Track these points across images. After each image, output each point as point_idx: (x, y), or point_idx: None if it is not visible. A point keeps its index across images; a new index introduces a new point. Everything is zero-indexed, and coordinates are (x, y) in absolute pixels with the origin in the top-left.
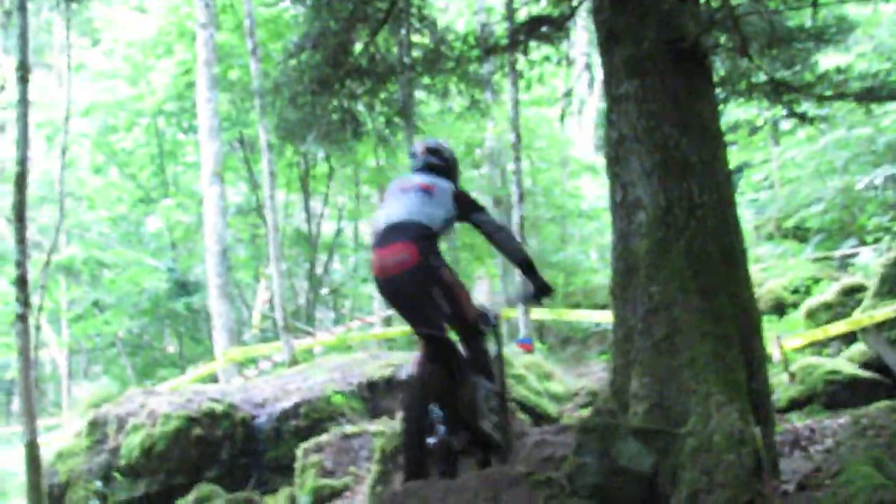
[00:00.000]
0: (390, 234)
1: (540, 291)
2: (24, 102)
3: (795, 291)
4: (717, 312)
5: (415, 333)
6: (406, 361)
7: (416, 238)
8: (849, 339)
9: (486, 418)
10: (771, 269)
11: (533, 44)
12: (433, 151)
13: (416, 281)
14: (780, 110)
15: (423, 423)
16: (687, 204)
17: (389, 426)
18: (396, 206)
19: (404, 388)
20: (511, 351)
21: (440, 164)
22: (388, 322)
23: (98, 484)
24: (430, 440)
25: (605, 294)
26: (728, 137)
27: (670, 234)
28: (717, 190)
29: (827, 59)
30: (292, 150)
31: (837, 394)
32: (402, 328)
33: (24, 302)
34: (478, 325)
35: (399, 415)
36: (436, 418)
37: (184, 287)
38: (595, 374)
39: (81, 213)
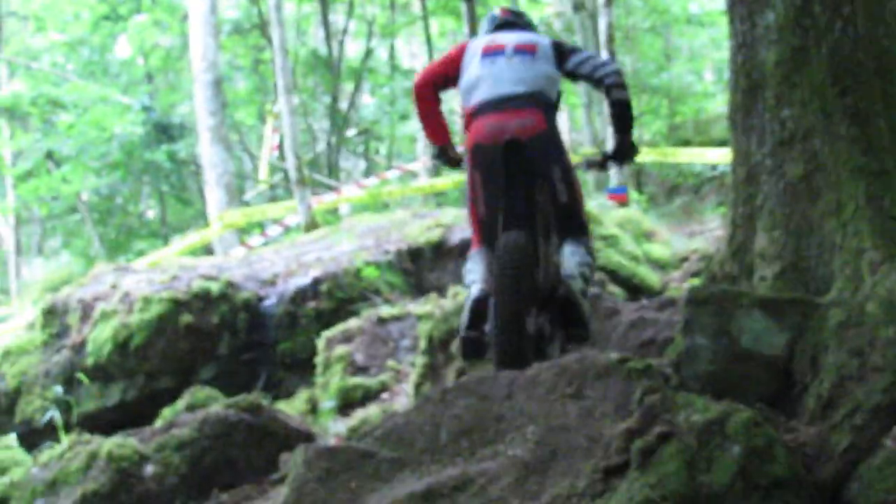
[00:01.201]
0: (505, 103)
1: (618, 153)
2: None
3: None
4: (873, 142)
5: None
6: (459, 220)
7: (545, 108)
8: None
9: (575, 279)
10: None
11: None
12: (516, 14)
13: (542, 151)
14: None
15: (522, 306)
16: None
17: (439, 306)
18: (501, 76)
19: (493, 255)
20: (599, 204)
21: (520, 23)
22: (436, 170)
23: (58, 390)
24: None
25: (723, 126)
26: None
27: (808, 39)
28: None
29: None
30: None
31: None
32: (454, 178)
33: None
34: (587, 226)
35: (476, 289)
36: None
37: (165, 131)
38: (711, 231)
39: (27, 38)
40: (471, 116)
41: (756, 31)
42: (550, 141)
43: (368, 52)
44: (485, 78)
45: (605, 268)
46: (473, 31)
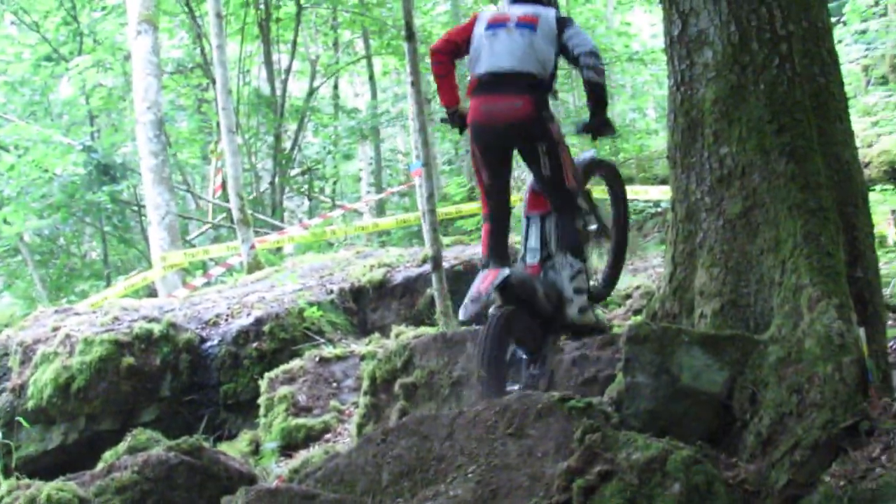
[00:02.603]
0: (498, 82)
1: (591, 127)
2: None
3: None
4: (810, 179)
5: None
6: (402, 259)
7: (530, 89)
8: None
9: (574, 302)
10: (884, 122)
11: None
12: None
13: (524, 135)
14: None
15: (502, 357)
16: (768, 36)
17: (382, 346)
18: (499, 48)
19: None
20: None
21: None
22: (380, 209)
23: None
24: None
25: (666, 163)
26: None
27: (746, 77)
28: (809, 16)
29: None
30: None
31: None
32: (398, 217)
33: None
34: (575, 195)
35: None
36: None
37: (108, 172)
38: (654, 268)
39: None
40: (471, 89)
41: (694, 69)
42: (535, 122)
43: (312, 92)
44: (485, 49)
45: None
46: (416, 71)
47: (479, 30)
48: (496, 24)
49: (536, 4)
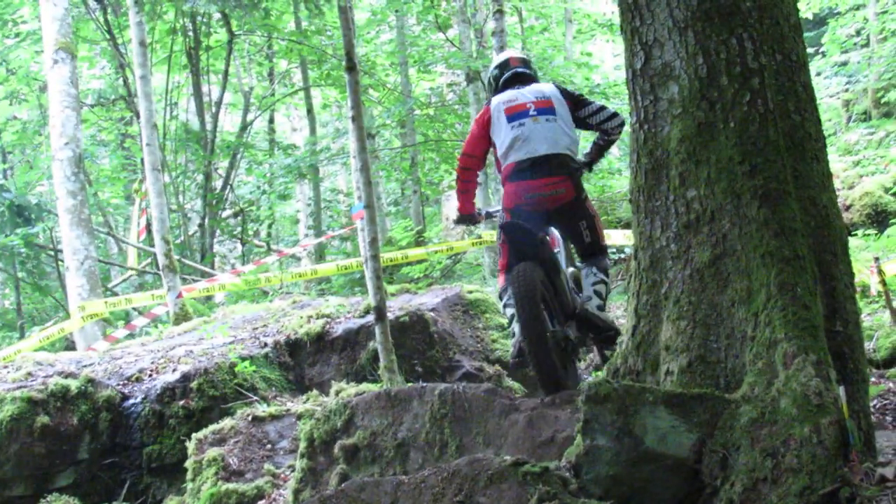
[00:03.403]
0: (539, 166)
1: (588, 164)
2: None
3: None
4: (784, 225)
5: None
6: (343, 310)
7: (570, 172)
8: None
9: (593, 300)
10: (866, 162)
11: None
12: (524, 62)
13: (570, 213)
14: None
15: (542, 317)
16: (739, 70)
17: (320, 403)
18: (532, 137)
19: (512, 283)
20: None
21: (529, 73)
22: (319, 255)
23: None
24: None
25: (629, 205)
26: None
27: (715, 113)
28: (783, 48)
29: None
30: (174, 10)
31: None
32: (339, 263)
33: None
34: (605, 248)
35: (510, 312)
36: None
37: (22, 213)
38: (617, 319)
39: None
40: (508, 176)
41: (659, 105)
42: (577, 203)
43: (245, 126)
44: (517, 140)
45: (501, 360)
46: (357, 105)
47: (501, 123)
48: (518, 115)
49: (531, 81)
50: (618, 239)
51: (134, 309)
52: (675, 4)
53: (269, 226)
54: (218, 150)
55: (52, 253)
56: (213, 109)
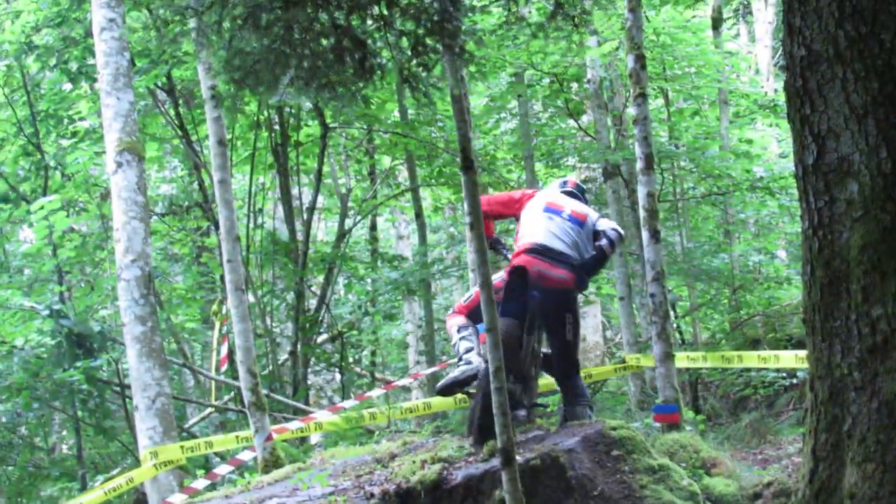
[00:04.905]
0: (550, 255)
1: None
2: None
3: None
4: None
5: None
6: (463, 452)
7: (575, 270)
8: None
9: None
10: None
11: None
12: (581, 190)
13: (563, 301)
14: None
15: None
16: None
17: None
18: (555, 230)
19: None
20: (645, 425)
21: (580, 196)
22: (433, 385)
23: None
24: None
25: (800, 321)
26: None
27: None
28: None
29: None
30: (256, 103)
31: None
32: (457, 396)
33: None
34: (578, 363)
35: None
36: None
37: (81, 344)
38: (790, 458)
39: None
40: (524, 250)
41: (835, 206)
42: (571, 295)
43: (343, 235)
44: (543, 228)
45: None
46: (475, 209)
47: (538, 208)
48: (553, 210)
49: (581, 202)
50: (788, 361)
51: (215, 454)
52: (853, 88)
53: (373, 352)
54: (311, 263)
55: (118, 389)
56: (305, 216)
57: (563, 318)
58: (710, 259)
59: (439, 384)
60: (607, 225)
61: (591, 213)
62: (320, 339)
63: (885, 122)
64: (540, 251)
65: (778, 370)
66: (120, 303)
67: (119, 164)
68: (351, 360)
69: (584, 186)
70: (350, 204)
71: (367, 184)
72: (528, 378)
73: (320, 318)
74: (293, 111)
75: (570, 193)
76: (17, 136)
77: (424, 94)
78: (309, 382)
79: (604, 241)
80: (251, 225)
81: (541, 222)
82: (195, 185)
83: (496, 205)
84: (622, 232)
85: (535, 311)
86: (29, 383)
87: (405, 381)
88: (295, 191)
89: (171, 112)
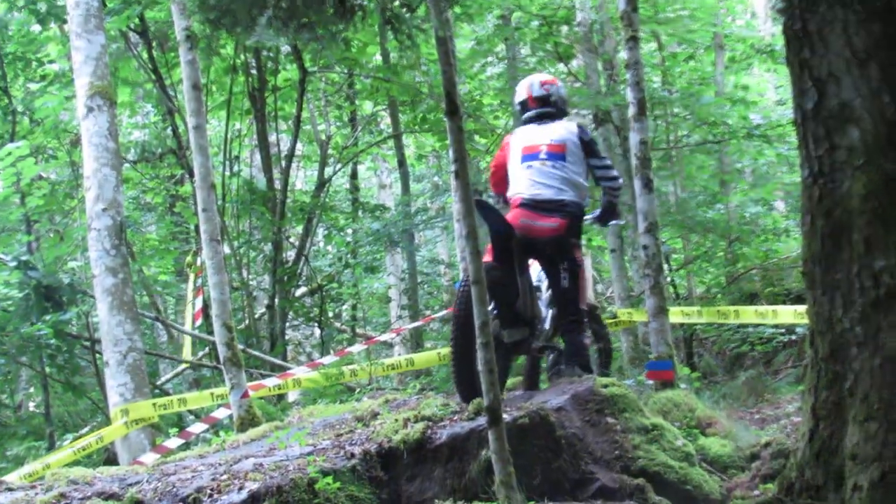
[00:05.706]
0: (539, 207)
1: (601, 217)
2: None
3: None
4: None
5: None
6: (448, 410)
7: (569, 217)
8: None
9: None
10: None
11: None
12: (543, 100)
13: (554, 248)
14: None
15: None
16: None
17: None
18: (537, 179)
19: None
20: (637, 383)
21: (552, 111)
22: (416, 341)
23: None
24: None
25: (799, 275)
26: None
27: None
28: None
29: None
30: (232, 45)
31: None
32: (440, 352)
33: None
34: (582, 315)
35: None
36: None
37: (50, 296)
38: (788, 417)
39: None
40: (514, 203)
41: (836, 154)
42: (563, 241)
43: (323, 184)
44: (523, 179)
45: (646, 471)
46: (462, 157)
47: (515, 160)
48: (530, 156)
49: (554, 119)
50: (786, 317)
51: (189, 412)
52: (854, 30)
53: (354, 306)
54: (289, 213)
55: (87, 344)
56: (283, 164)
57: (557, 265)
58: (706, 210)
59: (535, 344)
60: (604, 180)
61: (569, 137)
62: (299, 292)
63: (888, 66)
64: (529, 205)
65: (776, 326)
66: (90, 253)
67: (90, 109)
68: (331, 314)
69: (548, 93)
70: (330, 151)
71: (347, 130)
72: (535, 320)
73: (299, 271)
74: (271, 54)
75: (539, 115)
76: None
77: (408, 36)
78: (287, 337)
79: (605, 197)
80: (227, 173)
81: (522, 173)
82: (169, 132)
83: (496, 169)
84: (613, 175)
85: (524, 255)
86: None
87: (387, 337)
88: (273, 137)
89: (144, 55)
